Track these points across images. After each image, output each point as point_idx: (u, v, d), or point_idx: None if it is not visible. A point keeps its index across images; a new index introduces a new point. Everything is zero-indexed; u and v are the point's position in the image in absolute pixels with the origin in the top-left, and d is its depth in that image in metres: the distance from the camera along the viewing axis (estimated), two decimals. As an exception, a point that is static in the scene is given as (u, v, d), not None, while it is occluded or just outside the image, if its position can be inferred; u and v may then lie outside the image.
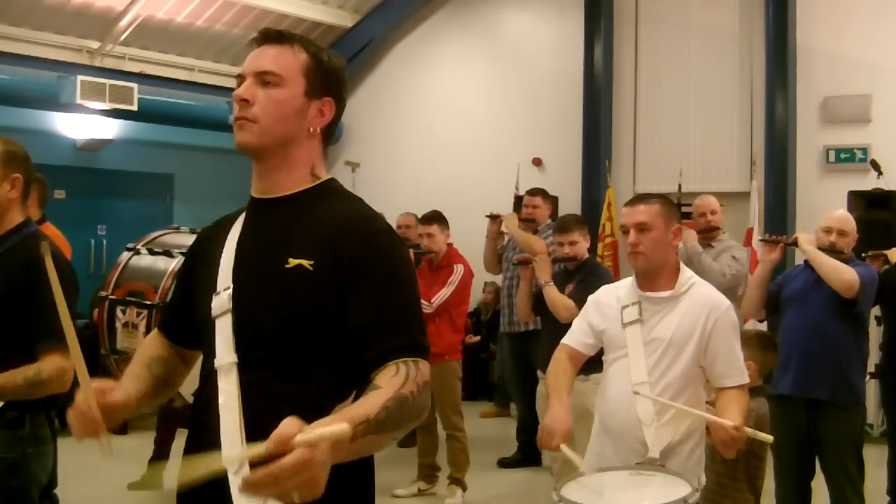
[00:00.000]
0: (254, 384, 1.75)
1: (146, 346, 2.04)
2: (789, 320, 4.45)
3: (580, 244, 4.99)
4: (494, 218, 6.63)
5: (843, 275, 4.18)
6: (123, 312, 5.34)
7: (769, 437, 2.86)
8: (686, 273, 3.09)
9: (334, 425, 1.41)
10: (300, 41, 1.85)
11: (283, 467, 1.34)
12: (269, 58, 1.82)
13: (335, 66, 1.89)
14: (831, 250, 4.34)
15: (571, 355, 3.20)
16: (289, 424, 1.38)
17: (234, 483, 1.70)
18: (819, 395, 4.27)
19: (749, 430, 2.76)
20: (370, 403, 1.57)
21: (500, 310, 6.92)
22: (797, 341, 4.32)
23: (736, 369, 3.01)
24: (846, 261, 4.37)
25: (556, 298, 4.80)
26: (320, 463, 1.39)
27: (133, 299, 5.33)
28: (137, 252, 5.53)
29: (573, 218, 5.45)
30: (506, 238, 6.71)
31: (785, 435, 4.33)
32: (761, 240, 4.64)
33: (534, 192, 6.77)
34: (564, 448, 2.82)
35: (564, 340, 3.25)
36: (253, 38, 1.88)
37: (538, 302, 5.06)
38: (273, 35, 1.85)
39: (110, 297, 5.40)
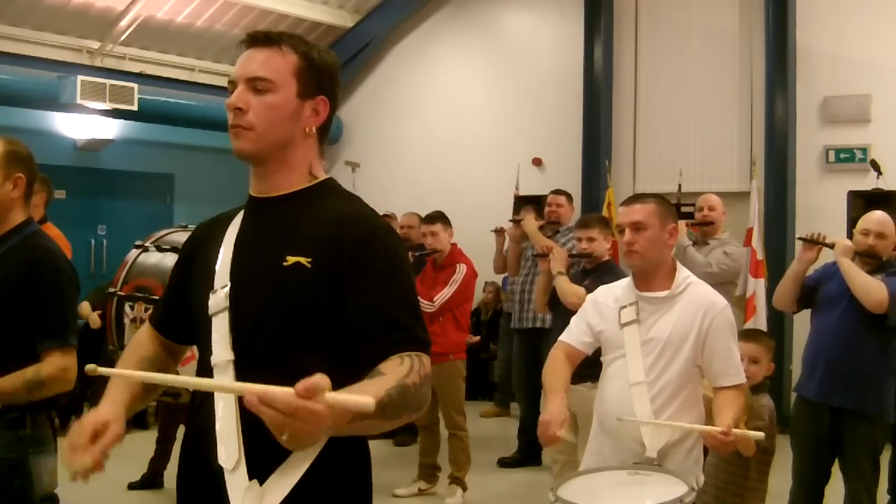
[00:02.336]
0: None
1: (136, 347, 2.03)
2: (820, 323, 4.38)
3: (599, 242, 4.90)
4: (517, 222, 6.63)
5: (872, 294, 4.11)
6: (132, 308, 5.36)
7: (760, 434, 2.87)
8: (683, 273, 3.09)
9: (361, 397, 1.41)
10: (288, 41, 1.84)
11: (304, 408, 1.35)
12: (258, 63, 1.81)
13: (326, 63, 1.88)
14: (870, 255, 4.29)
15: (568, 353, 3.19)
16: (322, 378, 1.38)
17: (231, 481, 1.71)
18: (844, 404, 4.22)
19: (738, 432, 2.79)
20: (376, 386, 1.56)
21: (512, 305, 6.91)
22: (826, 347, 4.27)
23: (733, 368, 3.01)
24: (883, 265, 4.31)
25: (566, 287, 4.73)
26: (327, 425, 1.40)
27: (141, 295, 5.35)
28: (146, 249, 5.53)
29: (596, 216, 5.44)
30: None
31: (806, 437, 4.32)
32: (800, 238, 4.58)
33: (558, 191, 6.76)
34: (561, 432, 2.83)
35: (562, 338, 3.24)
36: (240, 41, 1.87)
37: (553, 297, 5.03)
38: (260, 37, 1.84)
39: (118, 293, 5.41)
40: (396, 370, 1.63)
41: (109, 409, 1.80)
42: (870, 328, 4.19)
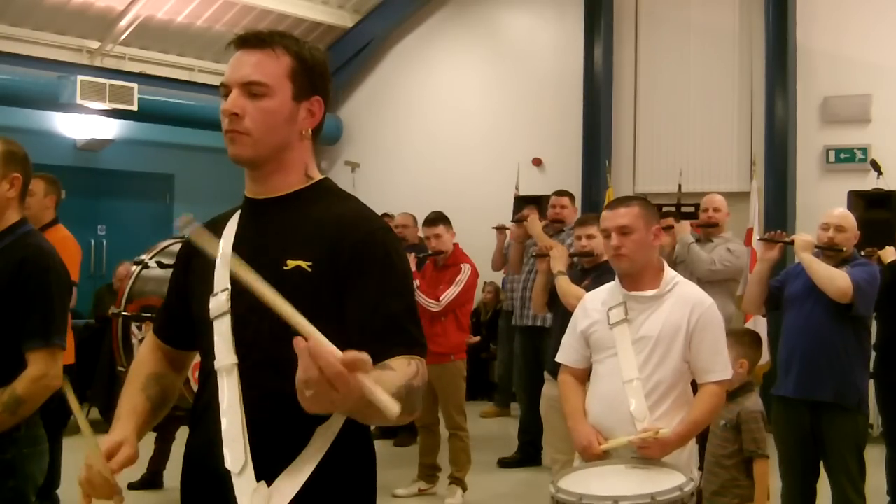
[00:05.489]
0: (254, 385, 1.75)
1: (140, 365, 2.00)
2: (790, 321, 4.43)
3: (598, 239, 4.76)
4: (520, 221, 6.63)
5: (835, 282, 4.16)
6: (139, 328, 5.26)
7: (666, 431, 2.86)
8: (670, 272, 3.13)
9: (390, 402, 1.37)
10: (281, 42, 1.81)
11: (341, 375, 1.33)
12: (251, 66, 1.78)
13: (319, 62, 1.85)
14: (830, 248, 4.34)
15: (574, 374, 3.25)
16: (369, 358, 1.36)
17: (238, 484, 1.71)
18: (822, 397, 4.25)
19: (649, 434, 2.83)
20: (393, 380, 1.53)
21: (513, 302, 6.93)
22: (798, 343, 4.31)
23: (718, 364, 3.04)
24: (847, 259, 4.36)
25: (567, 288, 4.69)
26: (353, 400, 1.37)
27: (148, 315, 5.21)
28: (146, 266, 5.40)
29: (594, 215, 5.44)
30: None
31: (789, 436, 4.33)
32: (760, 238, 4.65)
33: (561, 192, 6.75)
34: (607, 445, 2.91)
35: (561, 361, 3.29)
36: (231, 41, 1.83)
37: (553, 296, 5.02)
38: (252, 39, 1.80)
39: (123, 313, 5.30)
40: (406, 370, 1.62)
41: (121, 433, 1.81)
42: (840, 321, 4.24)
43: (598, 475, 2.71)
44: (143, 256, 5.52)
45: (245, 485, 1.69)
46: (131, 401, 1.92)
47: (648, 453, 2.85)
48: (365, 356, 1.35)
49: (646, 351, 3.00)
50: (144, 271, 5.41)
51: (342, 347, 1.74)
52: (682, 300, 3.04)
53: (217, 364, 1.78)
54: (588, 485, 2.63)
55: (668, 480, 2.61)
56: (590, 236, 4.88)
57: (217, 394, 1.77)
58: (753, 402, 3.77)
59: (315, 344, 1.35)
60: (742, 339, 3.93)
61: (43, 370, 2.59)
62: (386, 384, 1.47)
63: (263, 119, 1.77)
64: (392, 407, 1.37)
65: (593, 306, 3.19)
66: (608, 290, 3.18)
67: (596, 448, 2.93)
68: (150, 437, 5.91)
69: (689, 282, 3.18)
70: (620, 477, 2.73)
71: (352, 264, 1.73)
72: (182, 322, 1.96)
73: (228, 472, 1.71)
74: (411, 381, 1.60)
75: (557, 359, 3.30)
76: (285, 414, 1.71)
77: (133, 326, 5.30)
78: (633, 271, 3.09)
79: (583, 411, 3.10)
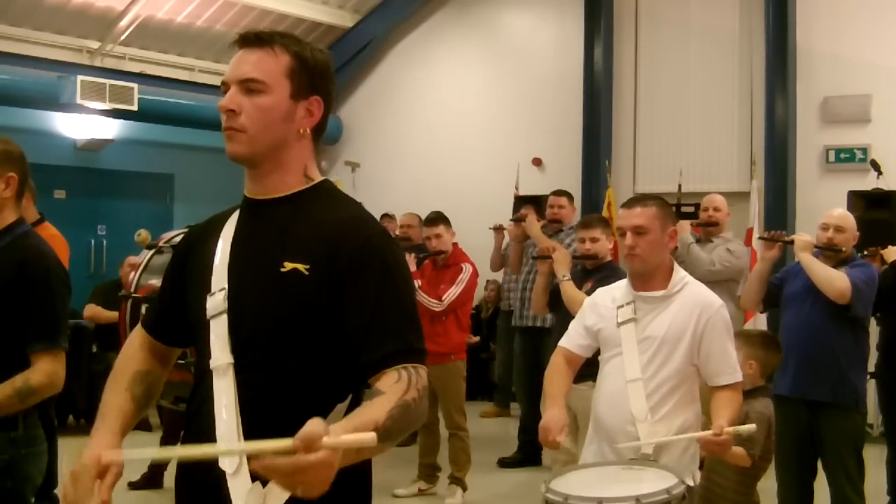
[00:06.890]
0: (250, 385, 1.74)
1: (126, 361, 1.97)
2: (788, 320, 4.45)
3: (601, 242, 4.85)
4: (518, 221, 6.63)
5: (834, 283, 4.18)
6: None
7: (751, 427, 2.92)
8: (679, 273, 3.12)
9: (360, 434, 1.43)
10: (280, 41, 1.81)
11: (308, 463, 1.37)
12: (250, 64, 1.79)
13: (319, 62, 1.85)
14: (829, 248, 4.34)
15: (568, 357, 3.24)
16: (317, 424, 1.40)
17: (233, 485, 1.70)
18: (819, 397, 4.27)
19: (730, 429, 2.83)
20: (377, 410, 1.57)
21: (513, 302, 6.93)
22: (796, 342, 4.32)
23: (728, 367, 3.03)
24: (846, 259, 4.36)
25: (572, 293, 4.68)
26: (335, 466, 1.42)
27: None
28: (160, 251, 5.34)
29: (597, 217, 5.45)
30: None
31: (786, 434, 4.33)
32: (760, 237, 4.67)
33: (559, 192, 6.75)
34: (561, 439, 2.86)
35: (561, 343, 3.28)
36: (233, 41, 1.85)
37: (553, 298, 5.01)
38: (252, 38, 1.81)
39: (133, 295, 5.24)
40: (395, 388, 1.63)
41: (107, 442, 1.79)
42: (837, 321, 4.25)
43: (592, 477, 2.71)
44: (155, 241, 5.52)
45: (240, 485, 1.69)
46: (117, 399, 1.90)
47: (716, 451, 2.87)
48: (313, 429, 1.40)
49: (650, 351, 3.00)
50: (157, 257, 5.34)
51: (340, 351, 1.75)
52: (690, 302, 3.04)
53: (212, 363, 1.78)
54: (578, 486, 2.63)
55: (658, 483, 2.60)
56: (593, 239, 4.84)
57: (212, 393, 1.76)
58: (763, 405, 3.73)
59: (265, 464, 1.40)
60: (751, 340, 3.90)
61: (54, 367, 2.61)
62: (367, 420, 1.52)
63: (259, 116, 1.77)
64: (367, 438, 1.43)
65: (603, 303, 3.19)
66: (620, 288, 3.18)
67: (553, 437, 2.88)
68: (153, 439, 5.90)
69: (698, 282, 3.16)
70: (613, 479, 2.73)
71: (349, 271, 1.73)
72: (174, 319, 1.95)
73: (223, 473, 1.70)
74: (404, 398, 1.62)
75: (560, 343, 3.27)
76: (280, 414, 1.72)
77: (142, 308, 5.28)
78: (645, 271, 3.08)
79: (561, 395, 3.08)
